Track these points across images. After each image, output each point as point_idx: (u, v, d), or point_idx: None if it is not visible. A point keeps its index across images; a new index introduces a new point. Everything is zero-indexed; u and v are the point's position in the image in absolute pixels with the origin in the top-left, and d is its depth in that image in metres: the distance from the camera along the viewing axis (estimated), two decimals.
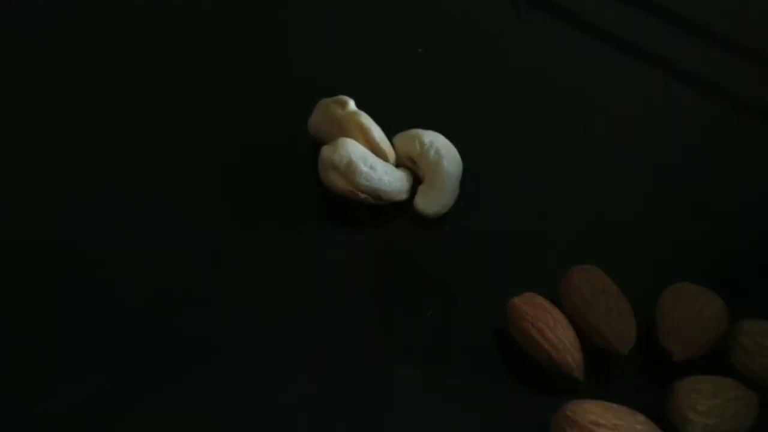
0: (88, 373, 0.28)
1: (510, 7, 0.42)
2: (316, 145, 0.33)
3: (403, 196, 0.32)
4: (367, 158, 0.32)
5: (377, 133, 0.33)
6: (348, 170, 0.31)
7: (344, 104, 0.33)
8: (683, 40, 0.40)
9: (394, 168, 0.33)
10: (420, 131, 0.33)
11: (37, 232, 0.32)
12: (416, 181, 0.33)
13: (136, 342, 0.29)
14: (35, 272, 0.31)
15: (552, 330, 0.28)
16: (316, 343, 0.29)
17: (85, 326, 0.30)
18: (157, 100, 0.37)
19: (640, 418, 0.26)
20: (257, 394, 0.28)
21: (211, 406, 0.28)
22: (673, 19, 0.41)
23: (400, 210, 0.33)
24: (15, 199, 0.33)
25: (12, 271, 0.31)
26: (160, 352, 0.29)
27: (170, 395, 0.28)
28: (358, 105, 0.33)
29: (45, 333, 0.29)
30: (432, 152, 0.33)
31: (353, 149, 0.32)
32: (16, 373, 0.28)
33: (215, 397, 0.28)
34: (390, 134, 0.34)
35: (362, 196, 0.32)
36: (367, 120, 0.33)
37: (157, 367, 0.29)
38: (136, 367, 0.29)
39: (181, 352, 0.29)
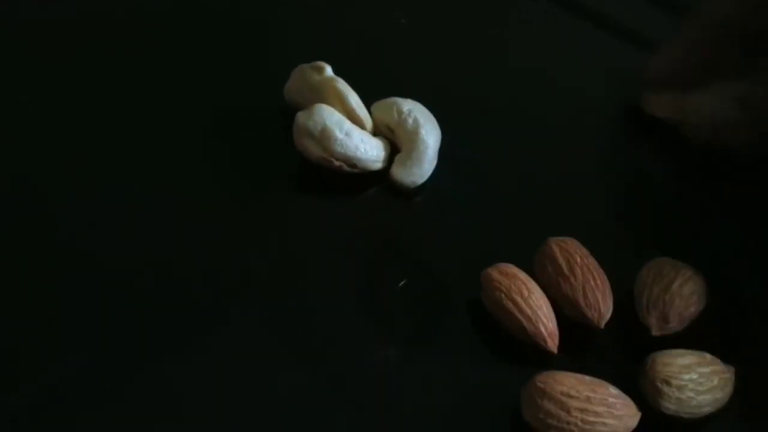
0: (88, 370, 0.28)
1: None
2: (291, 111, 0.33)
3: (379, 165, 0.32)
4: (342, 125, 0.31)
5: (354, 99, 0.32)
6: (323, 137, 0.31)
7: (321, 69, 0.32)
8: None
9: (370, 136, 0.32)
10: (398, 99, 0.33)
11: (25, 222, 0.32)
12: (393, 150, 0.32)
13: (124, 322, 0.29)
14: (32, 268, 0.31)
15: (525, 300, 0.27)
16: (293, 321, 0.29)
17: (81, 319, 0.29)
18: (135, 65, 0.36)
19: (613, 390, 0.26)
20: (234, 376, 0.28)
21: (200, 392, 0.27)
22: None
23: (377, 179, 0.32)
24: (13, 198, 0.33)
25: (11, 269, 0.30)
26: (146, 336, 0.29)
27: (161, 382, 0.28)
28: (336, 72, 0.33)
29: (45, 332, 0.29)
30: (410, 121, 0.32)
31: (329, 115, 0.31)
32: (14, 370, 0.28)
33: (203, 381, 0.28)
34: (368, 103, 0.33)
35: (337, 163, 0.31)
36: (343, 86, 0.32)
37: (147, 351, 0.28)
38: (125, 346, 0.28)
39: (164, 334, 0.29)
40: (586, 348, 0.28)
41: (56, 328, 0.29)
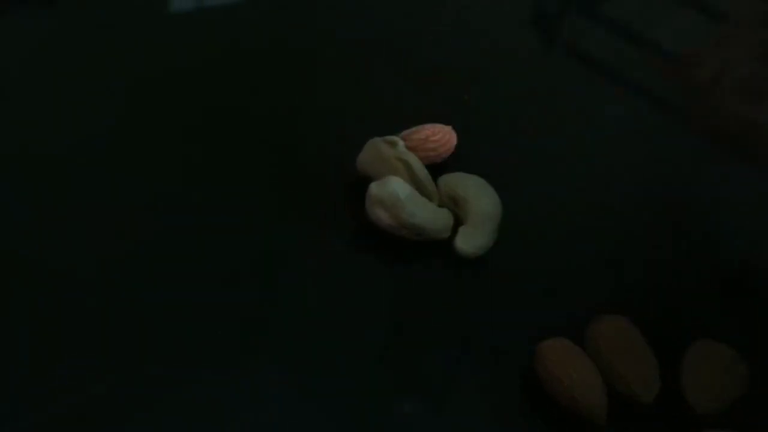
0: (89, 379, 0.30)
1: (543, 54, 0.44)
2: (361, 180, 0.35)
3: (445, 234, 0.34)
4: (412, 197, 0.33)
5: (423, 173, 0.34)
6: (394, 206, 0.33)
7: (394, 144, 0.35)
8: None
9: (437, 208, 0.34)
10: (463, 174, 0.35)
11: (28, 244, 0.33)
12: (457, 221, 0.35)
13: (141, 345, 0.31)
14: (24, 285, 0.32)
15: (579, 373, 0.29)
16: (337, 374, 0.31)
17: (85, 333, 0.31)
18: (210, 129, 0.39)
19: None
20: (257, 418, 0.29)
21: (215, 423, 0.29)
22: None
23: (439, 248, 0.34)
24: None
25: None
26: (166, 359, 0.30)
27: (169, 405, 0.29)
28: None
29: (41, 343, 0.30)
30: (473, 195, 0.34)
31: (400, 187, 0.33)
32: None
33: (220, 414, 0.29)
34: (435, 176, 0.35)
35: (405, 232, 0.33)
36: (414, 160, 0.34)
37: (162, 373, 0.30)
38: (137, 369, 0.30)
39: (184, 362, 0.30)
40: (633, 423, 0.30)
41: (55, 339, 0.30)
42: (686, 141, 0.40)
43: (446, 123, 0.37)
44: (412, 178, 0.34)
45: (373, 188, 0.34)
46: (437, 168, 0.36)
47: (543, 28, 0.46)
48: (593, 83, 0.43)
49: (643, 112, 0.42)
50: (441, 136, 0.37)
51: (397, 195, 0.33)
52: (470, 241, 0.34)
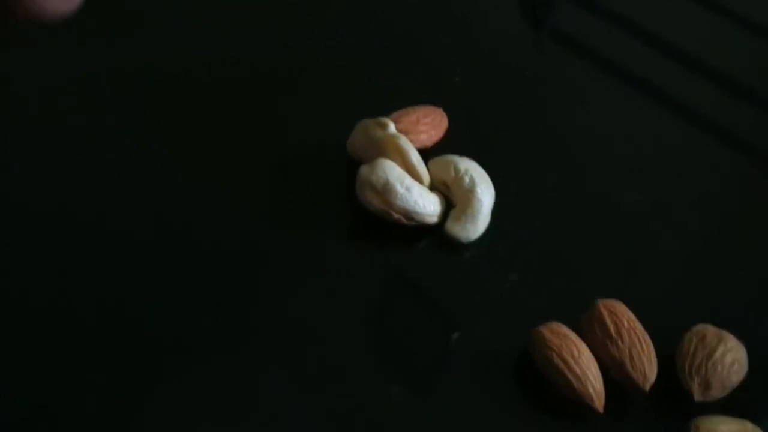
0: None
1: (533, 44, 0.43)
2: (351, 163, 0.34)
3: (435, 219, 0.33)
4: (403, 180, 0.32)
5: (414, 156, 0.33)
6: (384, 190, 0.32)
7: (384, 126, 0.34)
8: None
9: (428, 191, 0.33)
10: (455, 157, 0.34)
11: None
12: (448, 205, 0.34)
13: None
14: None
15: (576, 360, 0.28)
16: (327, 358, 0.30)
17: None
18: (197, 113, 0.38)
19: None
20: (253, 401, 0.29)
21: (205, 417, 0.28)
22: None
23: (429, 233, 0.33)
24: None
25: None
26: (163, 355, 0.30)
27: (160, 396, 0.29)
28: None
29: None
30: (466, 179, 0.33)
31: (391, 170, 0.32)
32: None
33: (210, 407, 0.29)
34: (425, 159, 0.34)
35: (396, 216, 0.32)
36: (405, 143, 0.33)
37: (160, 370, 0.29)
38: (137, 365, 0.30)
39: (182, 357, 0.30)
40: (629, 410, 0.29)
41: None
42: (679, 124, 0.40)
43: (436, 103, 0.36)
44: (403, 161, 0.33)
45: (364, 171, 0.33)
46: (428, 151, 0.35)
47: (531, 10, 0.45)
48: (585, 67, 0.42)
49: (637, 97, 0.41)
50: (432, 119, 0.36)
51: (387, 178, 0.32)
52: (462, 225, 0.33)
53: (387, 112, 0.35)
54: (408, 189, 0.32)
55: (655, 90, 0.41)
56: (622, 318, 0.30)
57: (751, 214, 0.36)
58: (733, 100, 0.41)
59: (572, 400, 0.29)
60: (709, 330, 0.30)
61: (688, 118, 0.40)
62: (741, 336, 0.30)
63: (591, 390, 0.28)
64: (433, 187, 0.34)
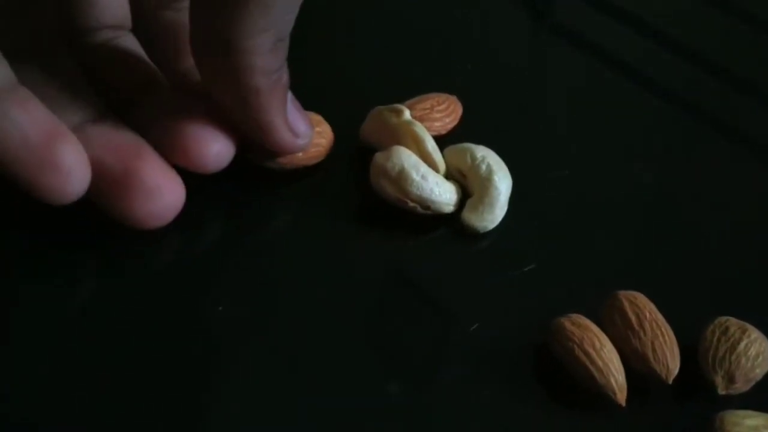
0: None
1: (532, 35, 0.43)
2: (365, 151, 0.34)
3: (451, 208, 0.32)
4: (419, 168, 0.32)
5: (430, 143, 0.33)
6: (399, 178, 0.31)
7: (400, 113, 0.33)
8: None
9: (444, 179, 0.33)
10: (471, 145, 0.33)
11: None
12: (464, 194, 0.33)
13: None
14: None
15: (598, 352, 0.28)
16: (336, 349, 0.29)
17: None
18: None
19: None
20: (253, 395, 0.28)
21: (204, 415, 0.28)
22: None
23: (446, 222, 0.33)
24: None
25: None
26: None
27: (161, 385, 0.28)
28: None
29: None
30: (483, 167, 0.33)
31: (406, 158, 0.32)
32: None
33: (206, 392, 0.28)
34: (442, 147, 0.34)
35: (411, 204, 0.32)
36: (421, 130, 0.33)
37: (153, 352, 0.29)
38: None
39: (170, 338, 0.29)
40: (651, 402, 0.29)
41: None
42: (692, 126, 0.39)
43: (450, 91, 0.36)
44: (418, 149, 0.33)
45: (378, 158, 0.32)
46: (443, 139, 0.34)
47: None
48: (595, 59, 0.41)
49: (654, 92, 0.40)
50: (446, 106, 0.35)
51: (403, 165, 0.31)
52: (479, 214, 0.32)
53: (399, 99, 0.35)
54: (424, 177, 0.32)
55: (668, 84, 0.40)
56: (644, 309, 0.29)
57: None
58: (737, 95, 0.40)
59: (593, 392, 0.28)
60: (732, 322, 0.29)
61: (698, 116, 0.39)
62: (763, 329, 0.29)
63: (613, 383, 0.28)
64: (448, 176, 0.33)
